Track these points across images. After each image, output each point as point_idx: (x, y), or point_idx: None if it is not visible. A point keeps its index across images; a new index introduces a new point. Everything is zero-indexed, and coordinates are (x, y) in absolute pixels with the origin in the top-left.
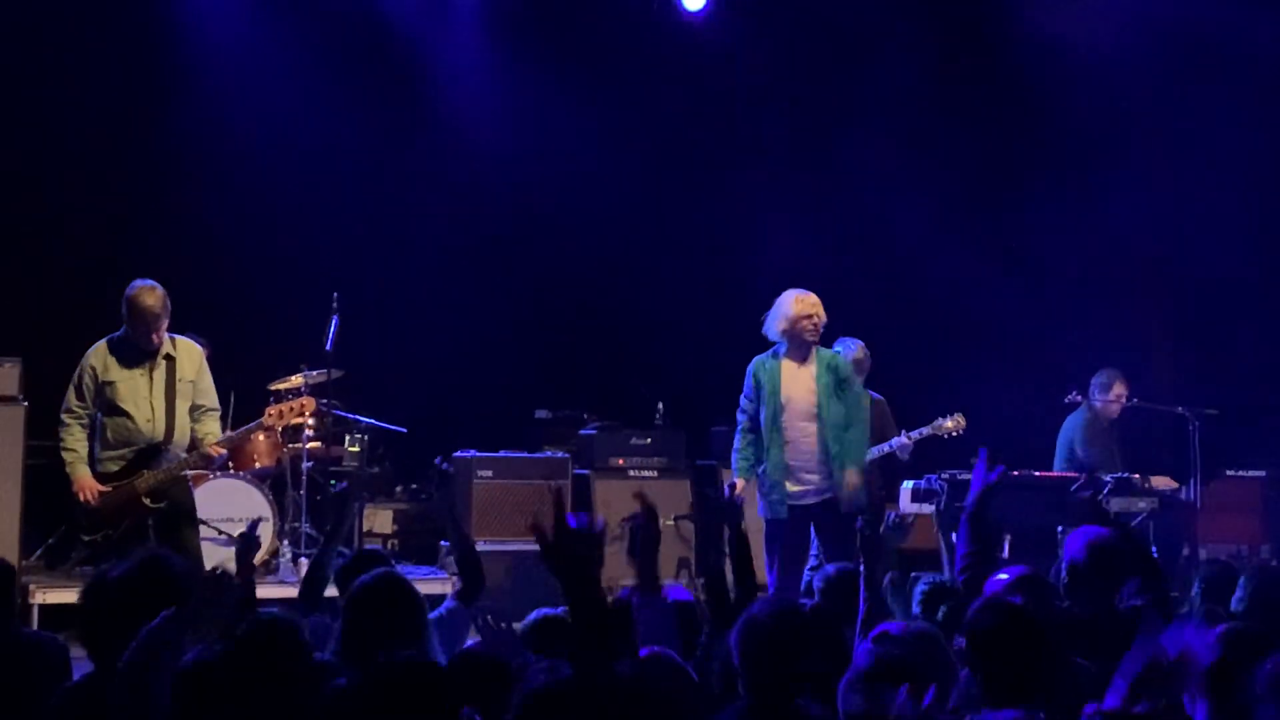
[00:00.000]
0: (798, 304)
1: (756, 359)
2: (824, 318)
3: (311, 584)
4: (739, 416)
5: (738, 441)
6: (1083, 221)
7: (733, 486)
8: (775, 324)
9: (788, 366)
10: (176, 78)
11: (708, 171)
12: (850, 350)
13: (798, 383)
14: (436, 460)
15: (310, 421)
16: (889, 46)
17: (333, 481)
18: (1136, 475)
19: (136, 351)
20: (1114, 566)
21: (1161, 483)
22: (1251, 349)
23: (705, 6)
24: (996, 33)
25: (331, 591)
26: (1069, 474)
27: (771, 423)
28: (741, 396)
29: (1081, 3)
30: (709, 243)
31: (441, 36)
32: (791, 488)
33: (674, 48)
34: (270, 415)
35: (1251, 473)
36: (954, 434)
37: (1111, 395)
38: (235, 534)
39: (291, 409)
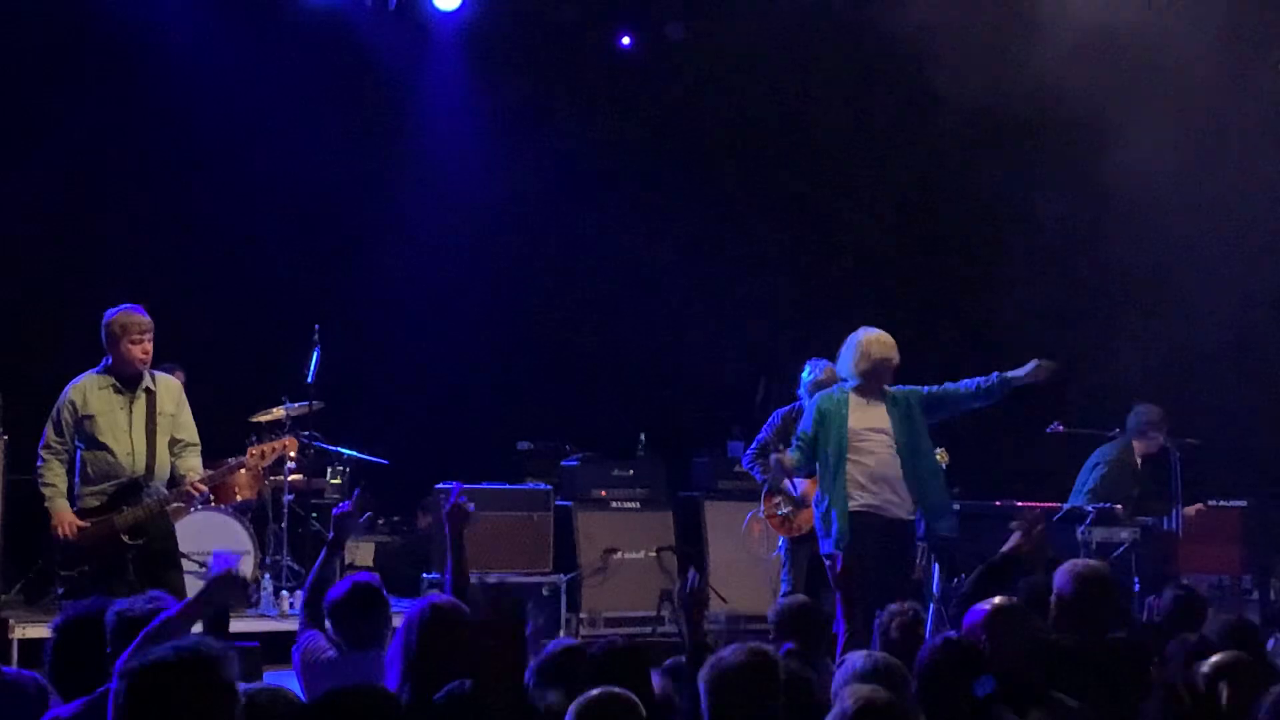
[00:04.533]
0: (880, 346)
1: (821, 395)
2: (897, 362)
3: (316, 593)
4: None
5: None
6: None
7: (696, 577)
8: (854, 364)
9: (857, 401)
10: (158, 113)
11: (686, 205)
12: (817, 372)
13: (870, 417)
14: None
15: (292, 454)
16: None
17: (313, 515)
18: (1119, 506)
19: (117, 385)
20: (1102, 598)
21: (1194, 510)
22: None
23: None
24: None
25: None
26: (1051, 504)
27: (837, 461)
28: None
29: None
30: (690, 275)
31: (423, 74)
32: (864, 515)
33: (649, 86)
34: (253, 455)
35: (1232, 503)
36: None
37: (1162, 434)
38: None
39: (274, 449)
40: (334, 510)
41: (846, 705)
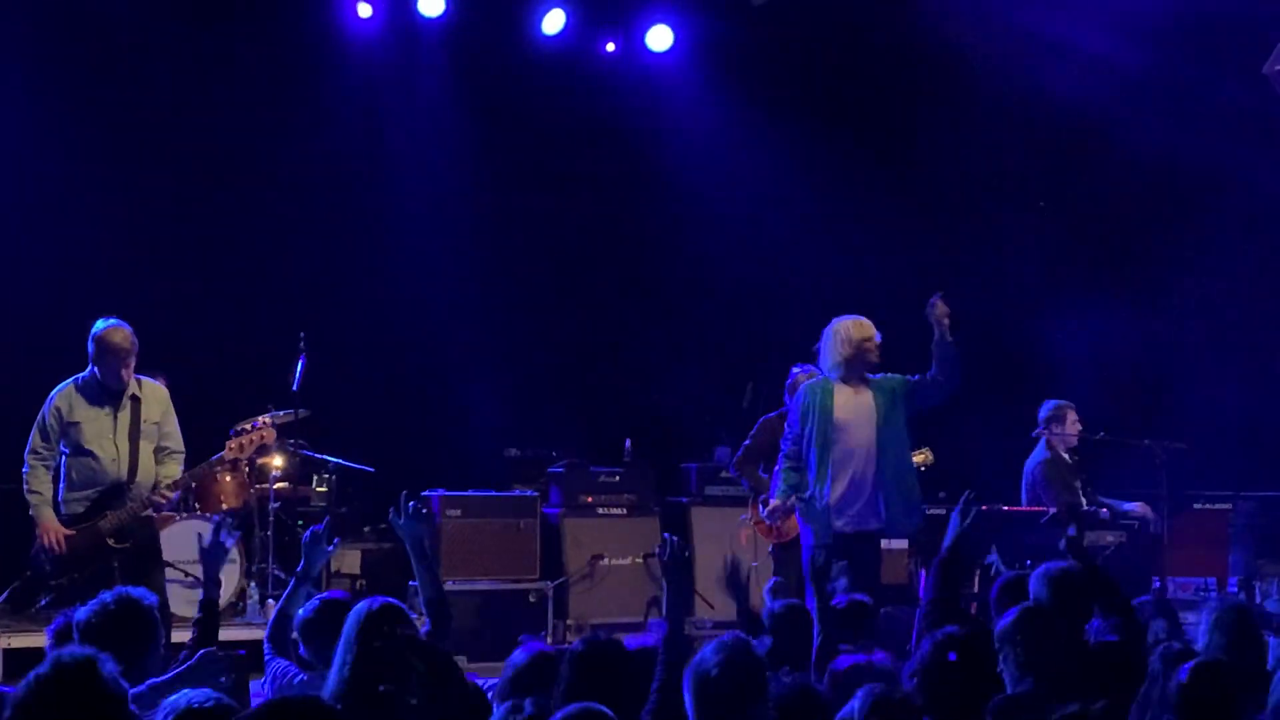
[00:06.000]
0: (858, 328)
1: (806, 385)
2: (879, 342)
3: (280, 627)
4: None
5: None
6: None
7: (675, 540)
8: (835, 351)
9: (842, 391)
10: (143, 119)
11: (677, 211)
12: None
13: (853, 408)
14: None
15: (277, 462)
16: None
17: (299, 523)
18: (1105, 509)
19: (102, 392)
20: (1077, 603)
21: (1141, 509)
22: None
23: (671, 48)
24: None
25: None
26: (1037, 508)
27: (821, 450)
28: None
29: None
30: (677, 280)
31: (406, 78)
32: (837, 517)
33: (642, 93)
34: (231, 449)
35: (1218, 505)
36: (921, 469)
37: (1068, 427)
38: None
39: (251, 440)
40: (303, 537)
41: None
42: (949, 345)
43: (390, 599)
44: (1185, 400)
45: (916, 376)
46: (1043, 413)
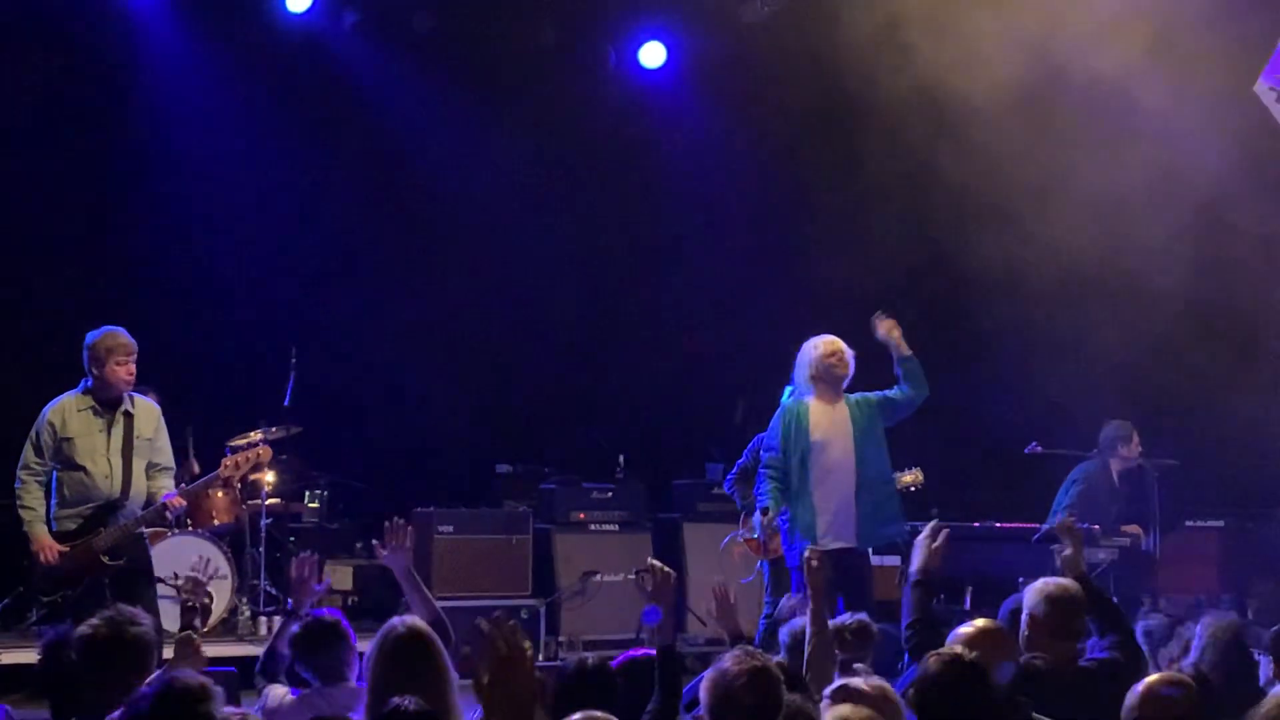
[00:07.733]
0: (819, 346)
1: (783, 406)
2: (848, 355)
3: (271, 660)
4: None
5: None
6: None
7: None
8: (803, 371)
9: (817, 409)
10: (136, 137)
11: (668, 227)
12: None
13: (829, 425)
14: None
15: (269, 478)
16: None
17: (291, 540)
18: (1096, 526)
19: (96, 407)
20: (1073, 618)
21: (1132, 530)
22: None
23: (664, 65)
24: None
25: None
26: (1029, 525)
27: (800, 466)
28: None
29: None
30: (670, 296)
31: (398, 92)
32: (821, 533)
33: (635, 110)
34: (226, 466)
35: (1210, 523)
36: (911, 489)
37: (1132, 448)
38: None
39: (247, 459)
40: (292, 566)
41: None
42: (909, 359)
43: (418, 621)
44: (1178, 419)
45: (887, 392)
46: (1106, 433)
